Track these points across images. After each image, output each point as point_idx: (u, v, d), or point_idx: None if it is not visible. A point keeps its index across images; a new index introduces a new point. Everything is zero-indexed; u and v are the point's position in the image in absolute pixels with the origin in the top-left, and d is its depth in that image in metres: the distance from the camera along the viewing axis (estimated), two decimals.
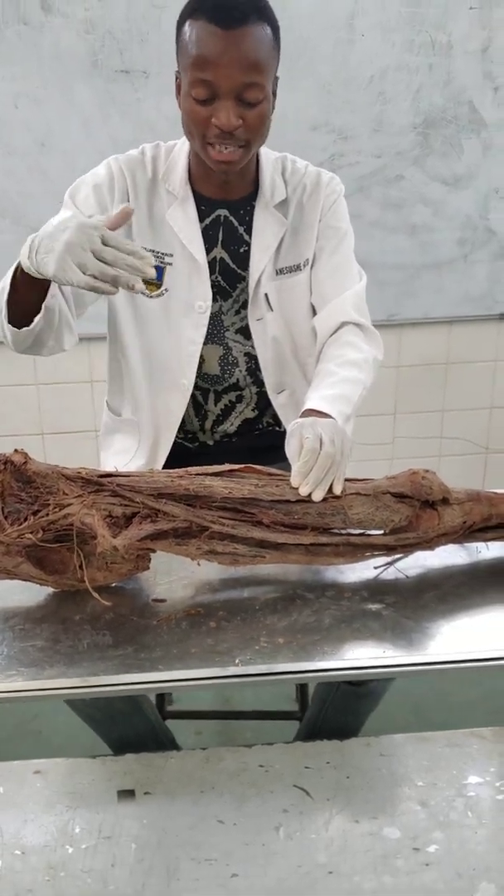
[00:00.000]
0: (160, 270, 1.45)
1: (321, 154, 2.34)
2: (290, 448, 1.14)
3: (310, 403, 1.30)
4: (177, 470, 1.09)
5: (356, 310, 1.48)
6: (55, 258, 1.05)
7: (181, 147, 1.44)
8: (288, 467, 1.26)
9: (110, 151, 1.46)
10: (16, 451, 1.07)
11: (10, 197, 2.32)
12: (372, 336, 1.49)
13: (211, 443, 1.62)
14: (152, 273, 1.05)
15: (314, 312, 1.52)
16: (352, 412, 1.33)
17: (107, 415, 1.66)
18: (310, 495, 1.06)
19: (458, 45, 2.28)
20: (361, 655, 0.98)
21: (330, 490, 1.08)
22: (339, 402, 1.30)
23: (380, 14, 2.22)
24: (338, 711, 1.58)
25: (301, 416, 1.25)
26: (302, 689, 1.89)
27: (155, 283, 1.45)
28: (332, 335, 1.47)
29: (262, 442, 1.62)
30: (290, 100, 2.26)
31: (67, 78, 2.20)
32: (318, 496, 1.06)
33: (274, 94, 1.32)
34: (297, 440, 1.11)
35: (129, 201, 1.41)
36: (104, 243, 1.05)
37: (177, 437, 1.57)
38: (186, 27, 1.25)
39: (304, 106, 2.29)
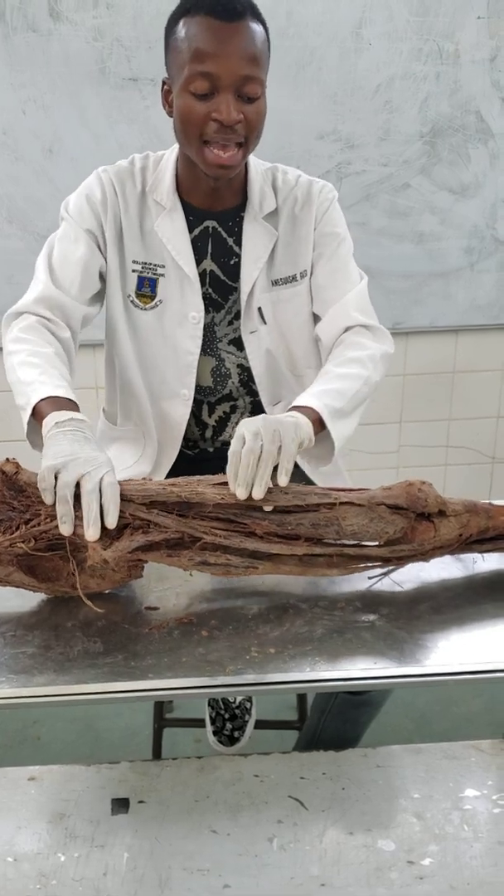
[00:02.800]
0: (153, 282, 1.45)
1: (327, 162, 2.34)
2: None
3: (296, 401, 1.28)
4: (168, 480, 1.09)
5: (360, 311, 1.45)
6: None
7: (169, 156, 1.43)
8: (295, 475, 1.25)
9: (118, 158, 1.45)
10: (7, 460, 1.07)
11: (17, 203, 2.33)
12: (378, 333, 1.46)
13: (211, 449, 1.61)
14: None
15: (316, 321, 1.51)
16: (346, 406, 1.29)
17: (103, 423, 1.66)
18: (255, 497, 1.04)
19: (465, 55, 2.27)
20: (352, 666, 0.97)
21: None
22: (327, 397, 1.27)
23: (387, 23, 2.22)
24: (336, 720, 1.57)
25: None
26: (301, 698, 1.88)
27: (148, 296, 1.46)
28: (336, 340, 1.45)
29: None
30: (296, 108, 2.27)
31: (75, 85, 2.22)
32: (257, 493, 1.03)
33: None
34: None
35: (120, 214, 1.42)
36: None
37: None
38: (180, 26, 1.25)
39: (311, 114, 2.29)
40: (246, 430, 1.08)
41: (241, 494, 1.03)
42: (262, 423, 1.08)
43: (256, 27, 1.25)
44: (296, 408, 1.24)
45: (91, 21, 2.15)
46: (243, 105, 1.26)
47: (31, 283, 1.42)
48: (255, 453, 1.04)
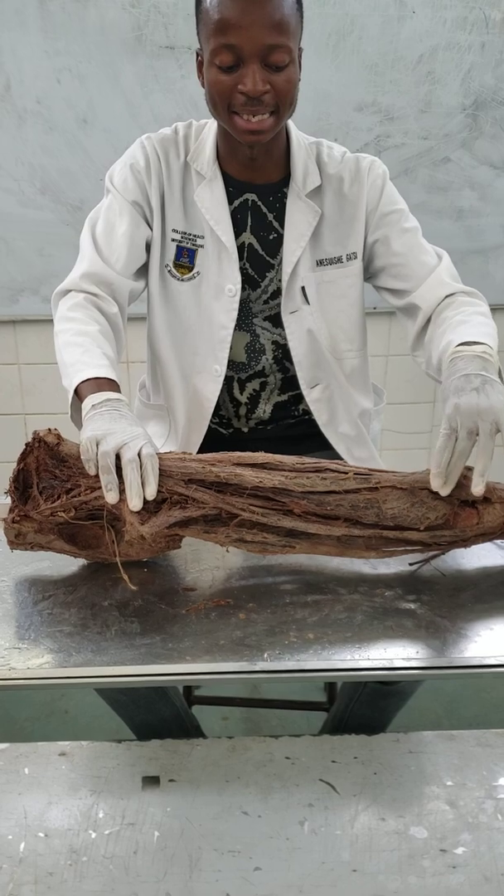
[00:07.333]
0: (192, 253, 1.42)
1: (366, 135, 2.28)
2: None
3: (460, 338, 1.22)
4: (209, 455, 1.07)
5: (455, 280, 1.41)
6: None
7: (211, 126, 1.40)
8: (325, 456, 1.22)
9: (153, 129, 1.43)
10: (49, 431, 1.08)
11: (50, 174, 2.30)
12: (480, 298, 1.41)
13: (245, 430, 1.59)
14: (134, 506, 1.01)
15: (395, 294, 1.46)
16: (494, 353, 1.23)
17: (139, 401, 1.65)
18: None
19: None
20: (393, 655, 0.95)
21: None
22: (487, 338, 1.22)
23: None
24: (365, 708, 1.56)
25: (456, 348, 1.20)
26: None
27: (186, 266, 1.43)
28: (439, 304, 1.40)
29: (297, 430, 1.59)
30: (335, 79, 2.22)
31: (111, 53, 2.18)
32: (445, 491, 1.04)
33: (299, 66, 1.27)
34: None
35: (164, 182, 1.39)
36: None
37: (211, 422, 1.54)
38: None
39: (351, 85, 2.24)
40: (461, 424, 1.05)
41: (445, 492, 1.04)
42: (478, 417, 1.06)
43: None
44: (468, 343, 1.20)
45: None
46: (271, 74, 1.21)
47: (77, 258, 1.40)
48: (466, 454, 1.05)
